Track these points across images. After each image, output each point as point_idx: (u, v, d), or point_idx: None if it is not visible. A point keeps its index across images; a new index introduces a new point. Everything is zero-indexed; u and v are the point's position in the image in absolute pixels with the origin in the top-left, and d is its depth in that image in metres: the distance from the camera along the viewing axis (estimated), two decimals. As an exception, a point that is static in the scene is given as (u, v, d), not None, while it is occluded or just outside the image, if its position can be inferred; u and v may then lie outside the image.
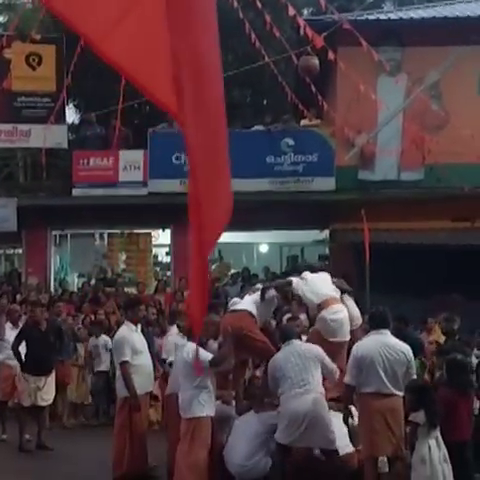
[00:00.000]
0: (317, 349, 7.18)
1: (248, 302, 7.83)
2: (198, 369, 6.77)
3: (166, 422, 8.61)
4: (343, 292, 8.24)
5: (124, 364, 8.02)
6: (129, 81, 3.31)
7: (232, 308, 8.06)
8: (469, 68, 15.24)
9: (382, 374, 6.77)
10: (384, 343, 6.91)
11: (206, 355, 7.08)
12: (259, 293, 7.90)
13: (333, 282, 8.31)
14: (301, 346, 7.21)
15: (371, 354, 6.83)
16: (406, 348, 7.03)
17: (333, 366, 7.19)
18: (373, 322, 7.16)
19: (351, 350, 7.15)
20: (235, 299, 8.68)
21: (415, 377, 7.24)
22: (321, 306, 7.58)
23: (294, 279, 7.97)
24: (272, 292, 7.97)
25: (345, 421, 7.11)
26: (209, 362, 7.02)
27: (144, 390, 8.18)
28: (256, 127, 16.27)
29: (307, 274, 8.06)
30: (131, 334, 8.24)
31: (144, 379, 8.19)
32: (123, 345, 8.08)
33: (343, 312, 7.71)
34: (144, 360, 8.28)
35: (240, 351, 7.45)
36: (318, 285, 7.87)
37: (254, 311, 7.61)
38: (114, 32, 3.05)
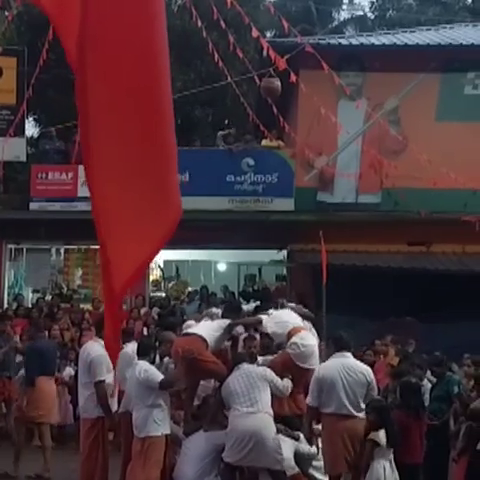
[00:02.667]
0: (265, 370, 7.20)
1: (203, 328, 7.75)
2: None
3: (120, 441, 8.47)
4: (304, 318, 8.34)
5: (102, 383, 7.76)
6: None
7: (185, 331, 8.01)
8: (427, 95, 15.51)
9: (342, 395, 6.99)
10: (345, 364, 7.16)
11: (157, 375, 7.05)
12: (221, 322, 7.82)
13: (293, 308, 8.42)
14: (249, 368, 7.22)
15: (332, 375, 7.07)
16: (366, 369, 7.28)
17: (283, 384, 7.21)
18: (336, 345, 7.42)
19: None
20: (189, 322, 8.63)
21: (378, 397, 7.37)
22: (291, 333, 7.57)
23: (264, 317, 7.89)
24: (240, 329, 7.93)
25: (308, 441, 7.29)
26: (159, 384, 6.99)
27: (113, 409, 8.02)
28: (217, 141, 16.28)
29: (272, 311, 8.08)
30: (106, 353, 8.04)
31: (112, 398, 8.04)
32: (102, 364, 7.73)
33: (313, 339, 7.70)
34: (111, 379, 8.14)
35: (191, 374, 7.41)
36: (284, 318, 7.86)
37: (208, 337, 7.52)
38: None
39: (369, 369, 7.40)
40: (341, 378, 7.06)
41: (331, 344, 7.68)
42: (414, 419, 7.03)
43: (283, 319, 7.80)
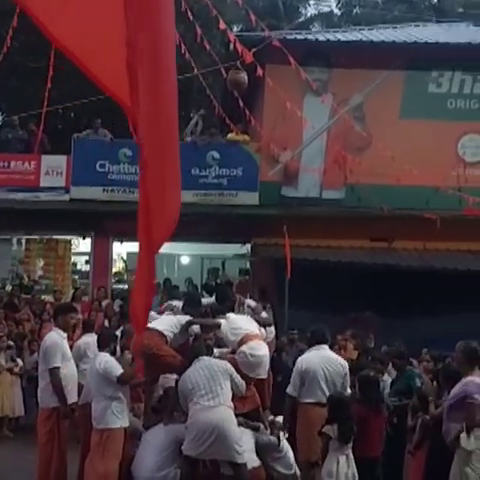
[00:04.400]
0: (226, 364, 7.20)
1: (163, 323, 7.73)
2: None
3: (78, 432, 8.43)
4: (265, 326, 8.39)
5: (56, 370, 7.73)
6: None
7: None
8: (392, 92, 15.66)
9: (324, 386, 7.55)
10: (325, 357, 7.76)
11: (116, 368, 7.03)
12: (181, 319, 7.80)
13: (252, 308, 8.47)
14: (210, 360, 7.22)
15: (314, 367, 7.63)
16: (344, 362, 7.92)
17: (242, 381, 7.23)
18: (314, 338, 7.97)
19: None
20: (151, 313, 8.61)
21: (349, 390, 7.53)
22: (242, 340, 7.56)
23: (223, 322, 7.89)
24: (197, 328, 7.91)
25: (284, 428, 7.63)
26: (117, 378, 6.98)
27: (71, 400, 7.96)
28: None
29: (231, 314, 8.07)
30: (62, 341, 8.03)
31: (71, 388, 7.98)
32: (55, 351, 7.75)
33: (263, 350, 7.66)
34: (72, 368, 8.07)
35: (150, 368, 7.41)
36: (239, 324, 7.83)
37: (167, 332, 7.51)
38: (61, 14, 2.98)
39: (345, 362, 7.99)
40: (322, 369, 7.62)
41: (310, 337, 8.10)
42: (373, 413, 7.09)
43: (238, 325, 7.75)
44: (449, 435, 6.40)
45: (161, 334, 7.43)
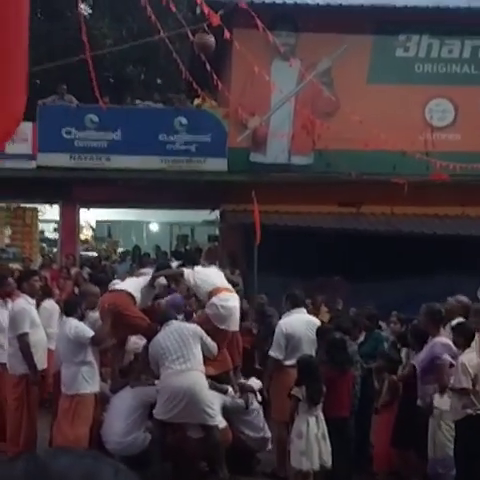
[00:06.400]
0: (196, 327, 7.26)
1: (129, 284, 7.77)
2: None
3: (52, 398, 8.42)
4: (233, 285, 8.46)
5: (24, 336, 7.69)
6: None
7: (111, 288, 8.00)
8: (360, 57, 15.61)
9: (306, 348, 7.64)
10: (307, 321, 7.93)
11: (88, 331, 7.02)
12: (146, 278, 7.84)
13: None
14: (180, 325, 7.26)
15: (299, 330, 7.77)
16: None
17: (212, 343, 7.28)
18: (292, 302, 8.08)
19: None
20: (116, 280, 8.62)
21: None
22: (212, 293, 7.59)
23: (186, 270, 7.93)
24: (162, 280, 7.93)
25: (262, 393, 7.87)
26: (91, 340, 6.97)
27: (41, 366, 7.94)
28: (147, 102, 16.13)
29: (198, 267, 8.11)
30: (30, 307, 7.99)
31: (41, 354, 7.95)
32: (24, 317, 7.70)
33: (234, 301, 7.72)
34: (41, 335, 8.05)
35: (118, 329, 7.41)
36: (209, 275, 7.87)
37: (135, 293, 7.53)
38: None
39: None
40: (307, 334, 7.74)
41: (287, 301, 8.17)
42: (341, 374, 7.19)
43: (207, 276, 7.82)
44: (425, 398, 6.53)
45: (129, 294, 7.44)
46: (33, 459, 1.15)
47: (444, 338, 6.62)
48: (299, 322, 7.85)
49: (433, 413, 6.55)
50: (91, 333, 7.02)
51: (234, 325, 7.70)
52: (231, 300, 7.67)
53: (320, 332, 7.61)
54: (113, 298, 7.39)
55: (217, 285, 7.68)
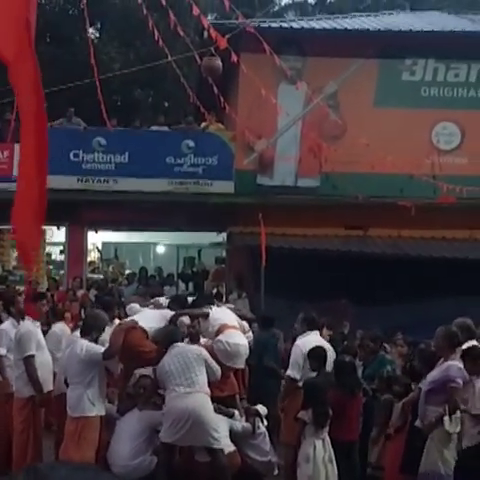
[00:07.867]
0: (200, 349, 7.20)
1: (146, 318, 7.63)
2: None
3: (57, 422, 8.37)
4: (248, 321, 8.41)
5: (31, 359, 7.65)
6: None
7: (127, 323, 7.82)
8: (366, 81, 15.71)
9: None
10: (324, 342, 7.98)
11: (98, 348, 6.97)
12: (164, 313, 7.74)
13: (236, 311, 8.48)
14: (184, 347, 7.21)
15: None
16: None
17: (217, 367, 7.23)
18: (309, 324, 8.14)
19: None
20: (133, 304, 8.51)
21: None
22: (218, 331, 7.54)
23: (210, 311, 7.82)
24: (186, 320, 7.84)
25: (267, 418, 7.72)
26: (102, 355, 6.89)
27: (46, 388, 7.91)
28: (154, 127, 16.22)
29: (211, 306, 8.02)
30: (35, 329, 7.97)
31: (46, 376, 7.93)
32: (30, 339, 7.67)
33: (241, 339, 7.58)
34: (46, 357, 8.02)
35: (129, 360, 7.35)
36: (217, 315, 7.79)
37: (149, 329, 7.43)
38: None
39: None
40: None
41: (303, 323, 8.22)
42: (350, 397, 7.14)
43: (216, 316, 7.71)
44: (426, 418, 6.46)
45: (143, 330, 7.38)
46: (34, 471, 1.15)
47: (458, 362, 6.56)
48: (316, 343, 7.83)
49: (436, 435, 6.43)
50: (102, 349, 6.97)
51: (240, 362, 7.62)
52: (238, 338, 7.55)
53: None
54: (129, 335, 7.26)
55: (225, 322, 7.64)
